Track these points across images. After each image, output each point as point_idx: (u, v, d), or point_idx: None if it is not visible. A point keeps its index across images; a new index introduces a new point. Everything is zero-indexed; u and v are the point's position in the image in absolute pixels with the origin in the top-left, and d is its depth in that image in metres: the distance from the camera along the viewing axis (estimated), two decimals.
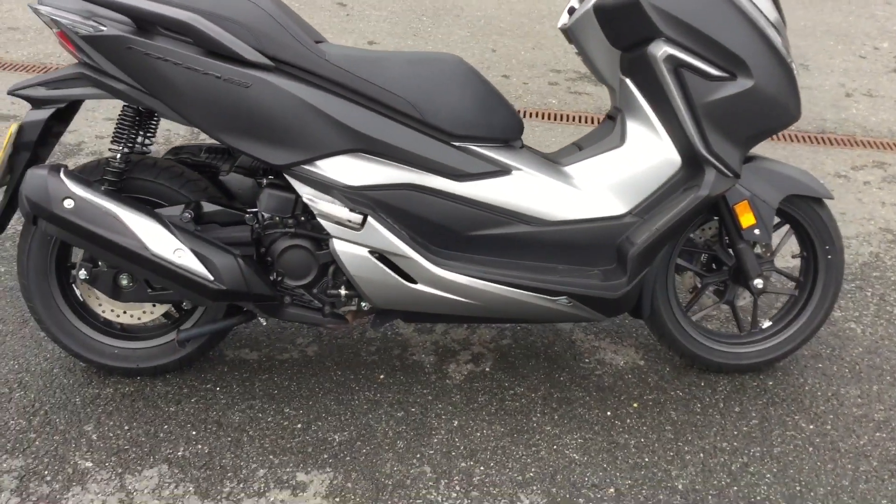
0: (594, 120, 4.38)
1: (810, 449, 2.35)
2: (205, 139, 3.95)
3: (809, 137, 4.32)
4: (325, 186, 2.20)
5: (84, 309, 2.45)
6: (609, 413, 2.45)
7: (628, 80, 2.31)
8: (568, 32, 2.41)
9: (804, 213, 2.49)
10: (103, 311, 2.41)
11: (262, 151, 2.16)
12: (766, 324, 2.62)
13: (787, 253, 3.12)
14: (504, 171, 2.30)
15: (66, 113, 2.30)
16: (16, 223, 3.13)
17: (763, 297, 2.91)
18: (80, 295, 2.43)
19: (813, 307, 2.57)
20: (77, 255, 2.41)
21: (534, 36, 5.34)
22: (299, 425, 2.36)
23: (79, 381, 2.47)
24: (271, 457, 2.25)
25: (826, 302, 2.56)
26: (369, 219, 2.20)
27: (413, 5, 5.70)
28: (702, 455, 2.31)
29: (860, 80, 4.97)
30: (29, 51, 4.94)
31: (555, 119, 4.38)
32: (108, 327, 2.47)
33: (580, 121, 4.38)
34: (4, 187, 2.31)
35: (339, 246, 2.22)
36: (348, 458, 2.26)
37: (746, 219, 2.38)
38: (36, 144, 2.24)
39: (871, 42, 5.45)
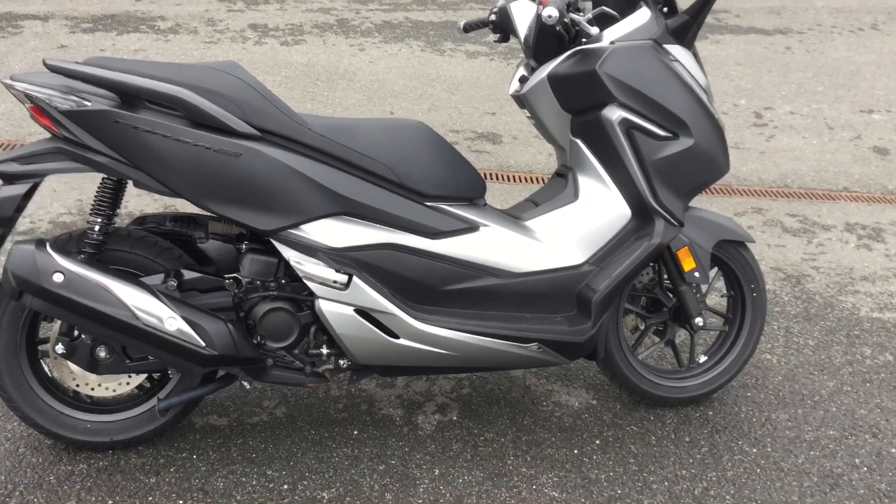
0: (497, 176, 4.60)
1: (758, 470, 2.58)
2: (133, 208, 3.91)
3: None
4: (311, 249, 2.28)
5: (53, 384, 2.40)
6: (576, 451, 2.61)
7: (579, 141, 2.52)
8: (520, 98, 2.61)
9: (731, 255, 2.75)
10: (77, 386, 2.38)
11: (250, 218, 2.22)
12: (703, 358, 2.86)
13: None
14: (473, 227, 2.44)
15: (32, 188, 2.28)
16: None
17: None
18: (50, 370, 2.38)
19: (743, 341, 2.83)
20: (46, 330, 2.37)
21: (427, 98, 5.55)
22: (285, 486, 2.39)
23: (48, 458, 2.41)
24: None
25: (754, 335, 2.83)
26: (354, 278, 2.29)
27: (306, 70, 5.81)
28: (666, 483, 2.50)
29: (726, 135, 5.44)
30: None
31: None
32: (77, 401, 2.42)
33: (486, 178, 4.59)
34: None
35: (325, 306, 2.30)
36: None
37: (688, 263, 2.62)
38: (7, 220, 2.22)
39: (729, 100, 5.98)
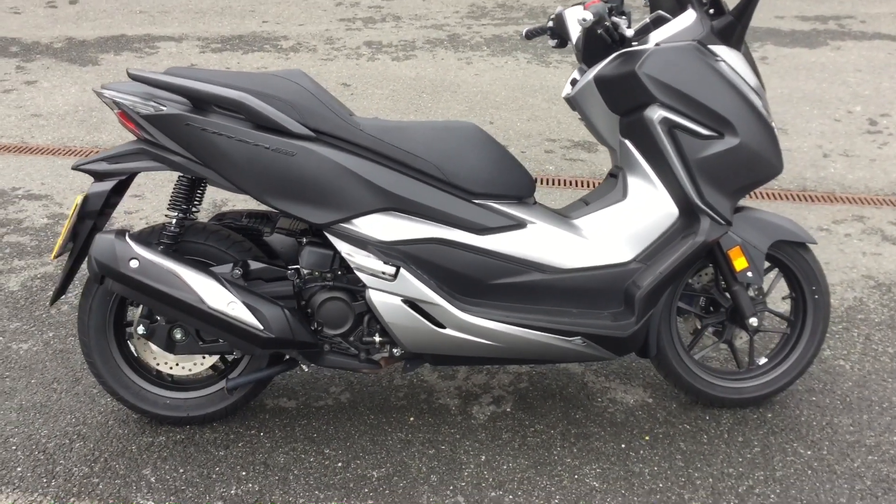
0: (589, 184, 4.66)
1: (809, 472, 2.56)
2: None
3: (792, 195, 4.61)
4: (361, 242, 2.45)
5: (138, 363, 2.66)
6: (623, 445, 2.66)
7: (627, 142, 2.59)
8: (571, 101, 2.70)
9: (791, 257, 2.74)
10: (157, 364, 2.63)
11: (305, 212, 2.41)
12: (763, 360, 2.85)
13: (778, 297, 3.36)
14: (520, 224, 2.55)
15: (122, 186, 2.55)
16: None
17: (758, 337, 3.14)
18: (135, 350, 2.65)
19: (804, 344, 2.80)
20: (132, 314, 2.64)
21: (528, 109, 5.67)
22: (339, 464, 2.56)
23: (133, 431, 2.68)
24: (317, 492, 2.45)
25: (816, 338, 2.80)
26: (402, 270, 2.44)
27: (413, 83, 6.04)
28: (711, 480, 2.52)
29: (836, 142, 5.29)
30: (52, 135, 5.22)
31: (552, 184, 4.67)
32: (159, 379, 2.68)
33: (576, 185, 4.66)
34: (67, 253, 2.54)
35: (374, 296, 2.46)
36: (387, 492, 2.45)
37: (739, 263, 2.63)
38: (97, 214, 2.49)
39: (844, 106, 5.80)
